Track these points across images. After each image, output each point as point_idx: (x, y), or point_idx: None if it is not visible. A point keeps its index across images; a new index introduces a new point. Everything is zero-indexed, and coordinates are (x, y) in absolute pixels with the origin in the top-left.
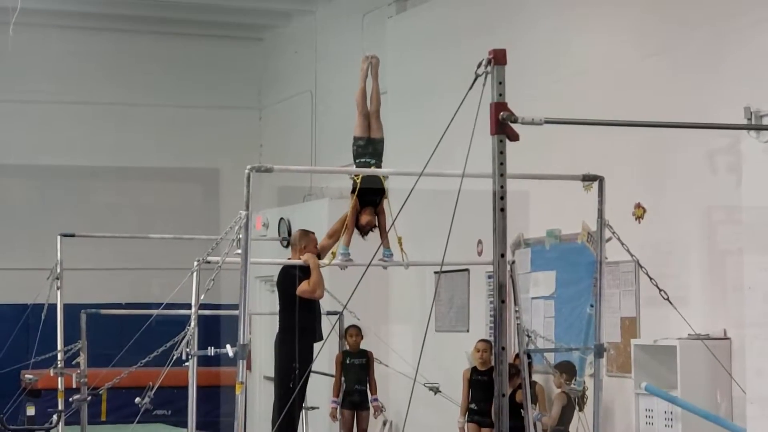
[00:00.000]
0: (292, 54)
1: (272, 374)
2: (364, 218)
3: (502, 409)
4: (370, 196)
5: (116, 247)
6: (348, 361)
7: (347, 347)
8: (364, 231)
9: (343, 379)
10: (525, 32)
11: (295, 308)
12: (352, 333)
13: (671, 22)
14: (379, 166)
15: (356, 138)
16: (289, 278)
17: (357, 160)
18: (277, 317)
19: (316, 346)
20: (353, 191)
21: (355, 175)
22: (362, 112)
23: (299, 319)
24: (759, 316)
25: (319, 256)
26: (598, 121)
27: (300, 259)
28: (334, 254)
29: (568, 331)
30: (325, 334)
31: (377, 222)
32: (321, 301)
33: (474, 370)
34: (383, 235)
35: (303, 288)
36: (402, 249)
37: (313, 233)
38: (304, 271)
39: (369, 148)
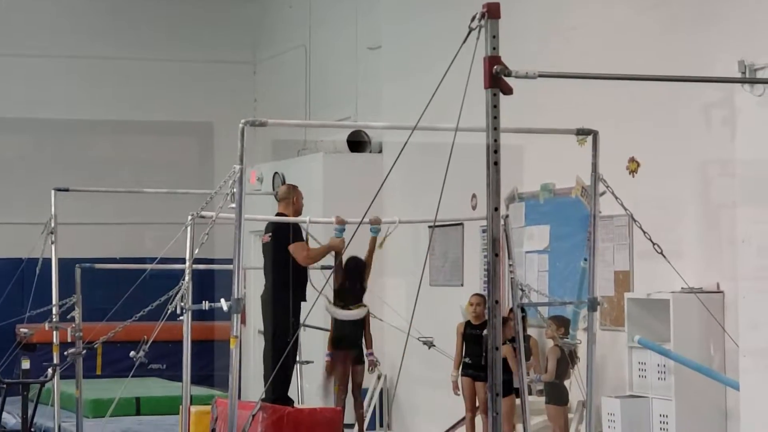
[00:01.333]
0: (287, 8)
1: (264, 328)
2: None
3: (496, 363)
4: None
5: (110, 201)
6: None
7: None
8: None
9: None
10: None
11: (289, 264)
12: None
13: None
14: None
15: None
16: (285, 235)
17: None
18: None
19: (310, 299)
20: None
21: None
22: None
23: (294, 276)
24: (752, 269)
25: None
26: (591, 75)
27: (289, 213)
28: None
29: (562, 285)
30: (319, 287)
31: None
32: None
33: (468, 324)
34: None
35: (300, 248)
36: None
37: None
38: (296, 230)
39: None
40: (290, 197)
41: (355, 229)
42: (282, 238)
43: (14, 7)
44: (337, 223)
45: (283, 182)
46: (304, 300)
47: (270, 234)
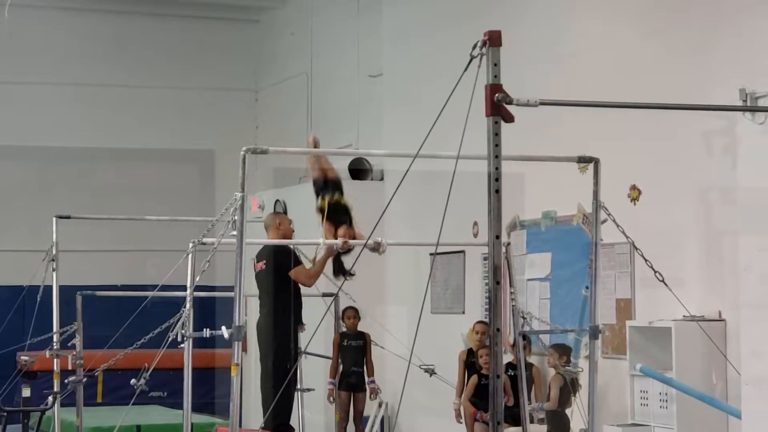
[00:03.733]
0: (289, 36)
1: (262, 357)
2: (340, 233)
3: (497, 391)
4: (340, 217)
5: (112, 228)
6: (345, 343)
7: (344, 329)
8: (346, 249)
9: (339, 360)
10: (521, 14)
11: (289, 290)
12: (349, 315)
13: (667, 3)
14: (342, 194)
15: (314, 180)
16: (284, 260)
17: (321, 193)
18: None
19: (309, 327)
20: (323, 218)
21: (321, 202)
22: (314, 165)
23: (293, 302)
24: (754, 297)
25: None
26: (593, 103)
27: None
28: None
29: (564, 313)
30: (320, 315)
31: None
32: (317, 282)
33: (470, 351)
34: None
35: (301, 272)
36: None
37: (282, 212)
38: (295, 256)
39: (329, 184)
40: (274, 224)
41: (357, 254)
42: (277, 264)
43: (16, 35)
44: (342, 246)
45: (285, 210)
46: (301, 323)
47: (264, 261)
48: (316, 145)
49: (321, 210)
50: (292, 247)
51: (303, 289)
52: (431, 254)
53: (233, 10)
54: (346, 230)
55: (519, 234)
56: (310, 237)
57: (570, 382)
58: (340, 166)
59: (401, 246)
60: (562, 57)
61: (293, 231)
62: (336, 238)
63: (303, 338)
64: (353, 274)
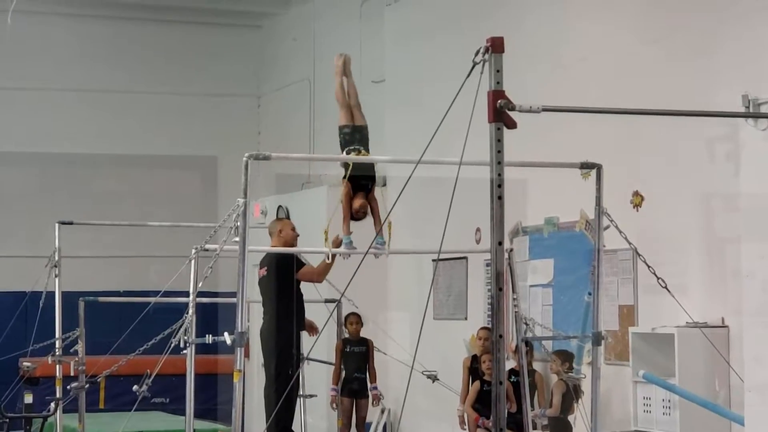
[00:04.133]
0: (291, 41)
1: (265, 363)
2: (356, 202)
3: (500, 397)
4: (362, 182)
5: (114, 234)
6: (348, 349)
7: (347, 335)
8: (356, 216)
9: (342, 366)
10: (523, 20)
11: (292, 296)
12: (352, 321)
13: (669, 8)
14: (368, 151)
15: (342, 127)
16: (286, 266)
17: (346, 148)
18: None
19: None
20: (344, 177)
21: (345, 159)
22: (344, 104)
23: (296, 308)
24: (757, 304)
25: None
26: (595, 109)
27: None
28: (327, 234)
29: (566, 319)
30: (322, 321)
31: (370, 209)
32: (320, 288)
33: (474, 357)
34: (377, 222)
35: (308, 271)
36: (390, 233)
37: (285, 218)
38: (297, 260)
39: (356, 135)
40: (275, 230)
41: (360, 261)
42: (279, 270)
43: (18, 40)
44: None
45: (287, 216)
46: (303, 329)
47: (266, 267)
48: (345, 61)
49: (344, 166)
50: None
51: (306, 295)
52: (434, 260)
53: (235, 16)
54: (362, 203)
55: (522, 240)
56: (313, 242)
57: (573, 388)
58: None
59: (404, 254)
60: (565, 63)
61: (297, 235)
62: (352, 208)
63: (306, 344)
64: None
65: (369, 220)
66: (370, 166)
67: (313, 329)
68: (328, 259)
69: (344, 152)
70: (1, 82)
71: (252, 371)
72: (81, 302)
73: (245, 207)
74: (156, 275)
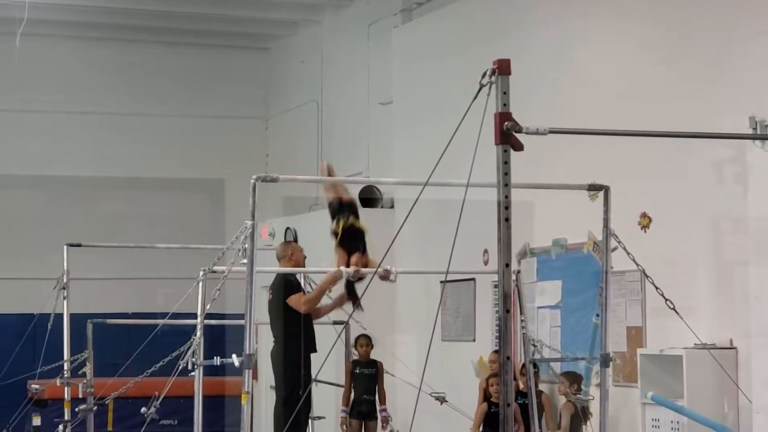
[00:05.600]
0: (299, 64)
1: (275, 385)
2: (353, 260)
3: (508, 419)
4: (353, 243)
5: (122, 256)
6: (358, 371)
7: (356, 357)
8: (354, 277)
9: (351, 388)
10: (529, 42)
11: (298, 319)
12: (362, 343)
13: (676, 31)
14: (357, 218)
15: (330, 203)
16: (291, 289)
17: (336, 217)
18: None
19: (319, 355)
20: (336, 243)
21: (336, 226)
22: (329, 188)
23: (304, 330)
24: (765, 326)
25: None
26: (602, 131)
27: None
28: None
29: (574, 341)
30: (330, 343)
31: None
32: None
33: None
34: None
35: (294, 298)
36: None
37: (294, 242)
38: (290, 284)
39: (345, 208)
40: (286, 254)
41: (368, 283)
42: (281, 293)
43: (27, 64)
44: (353, 275)
45: (295, 238)
46: (314, 351)
47: (272, 291)
48: (330, 172)
49: (335, 234)
50: (299, 277)
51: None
52: (442, 282)
53: (243, 39)
54: (359, 258)
55: (529, 262)
56: (321, 265)
57: (581, 410)
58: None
59: (412, 274)
60: (572, 85)
61: (305, 258)
62: (348, 265)
63: (315, 366)
64: (362, 310)
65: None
66: (359, 231)
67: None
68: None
69: (334, 221)
70: (9, 105)
71: (260, 393)
72: (89, 324)
73: (253, 229)
74: (164, 297)
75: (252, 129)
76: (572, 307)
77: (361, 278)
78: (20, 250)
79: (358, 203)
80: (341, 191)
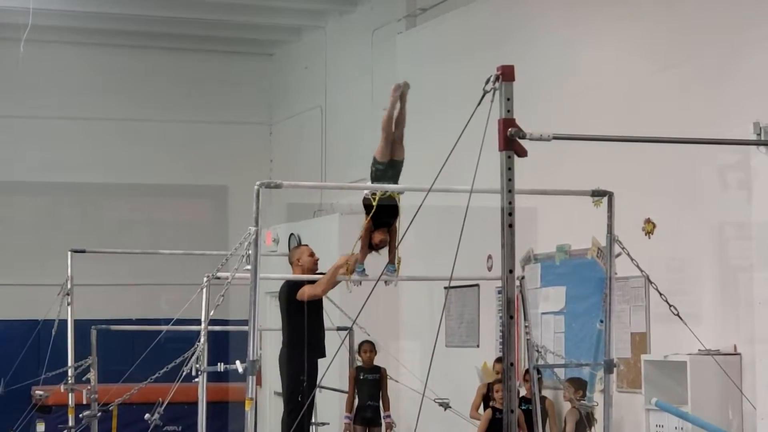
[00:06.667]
0: (302, 69)
1: (281, 390)
2: (377, 237)
3: (511, 425)
4: (384, 218)
5: (126, 262)
6: (361, 377)
7: (360, 363)
8: (376, 249)
9: (355, 394)
10: (534, 48)
11: (303, 323)
12: (366, 349)
13: (680, 37)
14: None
15: (376, 161)
16: (288, 294)
17: (377, 181)
18: None
19: (323, 361)
20: (368, 213)
21: (373, 195)
22: (387, 137)
23: (307, 335)
24: None
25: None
26: (606, 137)
27: (301, 272)
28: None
29: (578, 347)
30: (334, 349)
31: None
32: (332, 316)
33: (489, 386)
34: (391, 251)
35: (307, 290)
36: (398, 266)
37: (305, 245)
38: (296, 284)
39: (389, 173)
40: (294, 260)
41: (372, 288)
42: (289, 298)
43: (30, 70)
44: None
45: (299, 243)
46: (323, 355)
47: (282, 294)
48: (404, 93)
49: (368, 205)
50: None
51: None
52: (445, 288)
53: (247, 44)
54: (382, 239)
55: (533, 268)
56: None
57: (585, 416)
58: (354, 201)
59: (416, 280)
60: (576, 91)
61: (317, 259)
62: (372, 241)
63: (320, 371)
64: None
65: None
66: (394, 206)
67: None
68: (348, 288)
69: (369, 192)
70: (13, 111)
71: (264, 399)
72: (93, 330)
73: (257, 235)
74: (168, 303)
75: (256, 135)
76: (576, 313)
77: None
78: (24, 256)
79: (362, 209)
80: (397, 142)
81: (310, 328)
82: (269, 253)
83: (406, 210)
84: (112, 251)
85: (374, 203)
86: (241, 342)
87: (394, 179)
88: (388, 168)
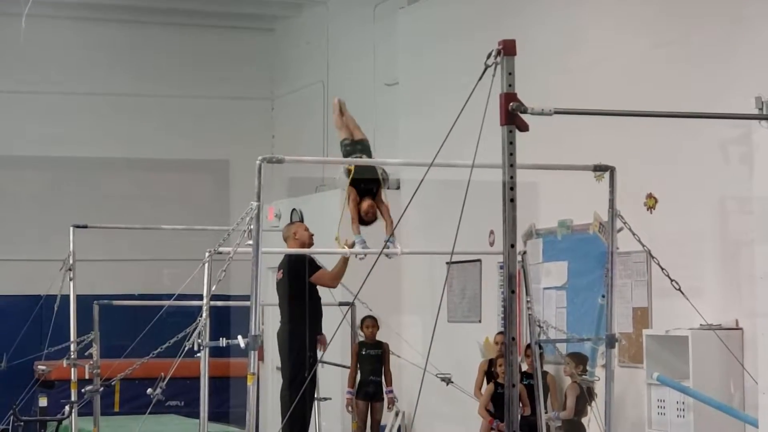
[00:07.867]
0: (304, 45)
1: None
2: (364, 205)
3: (513, 400)
4: (366, 185)
5: (128, 238)
6: (364, 352)
7: (362, 338)
8: (365, 220)
9: (357, 369)
10: (536, 23)
11: (305, 299)
12: (368, 324)
13: (682, 11)
14: (370, 157)
15: (342, 141)
16: (299, 268)
17: (349, 156)
18: None
19: (328, 337)
20: (348, 182)
21: (349, 166)
22: (341, 126)
23: (310, 310)
24: None
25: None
26: (608, 112)
27: (296, 247)
28: (338, 239)
29: (580, 322)
30: (335, 324)
31: (380, 212)
32: (334, 291)
33: (491, 362)
34: (388, 225)
35: (323, 275)
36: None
37: (298, 221)
38: (311, 262)
39: (357, 146)
40: (290, 234)
41: (373, 263)
42: (293, 273)
43: (32, 45)
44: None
45: (301, 218)
46: (320, 333)
47: (282, 270)
48: (341, 108)
49: (348, 171)
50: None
51: (322, 298)
52: (447, 263)
53: (248, 19)
54: (370, 204)
55: (535, 243)
56: (328, 245)
57: (586, 391)
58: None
59: (418, 255)
60: (577, 66)
61: (312, 234)
62: (360, 211)
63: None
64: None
65: (379, 223)
66: (373, 170)
67: (322, 343)
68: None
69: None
70: (14, 86)
71: (266, 374)
72: (95, 305)
73: (258, 210)
74: (170, 278)
75: (257, 110)
76: (578, 288)
77: (373, 220)
78: (26, 231)
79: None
80: (353, 129)
81: (314, 305)
82: (271, 228)
83: (409, 184)
84: (114, 226)
85: (351, 170)
86: (242, 317)
87: (365, 152)
88: (354, 143)
